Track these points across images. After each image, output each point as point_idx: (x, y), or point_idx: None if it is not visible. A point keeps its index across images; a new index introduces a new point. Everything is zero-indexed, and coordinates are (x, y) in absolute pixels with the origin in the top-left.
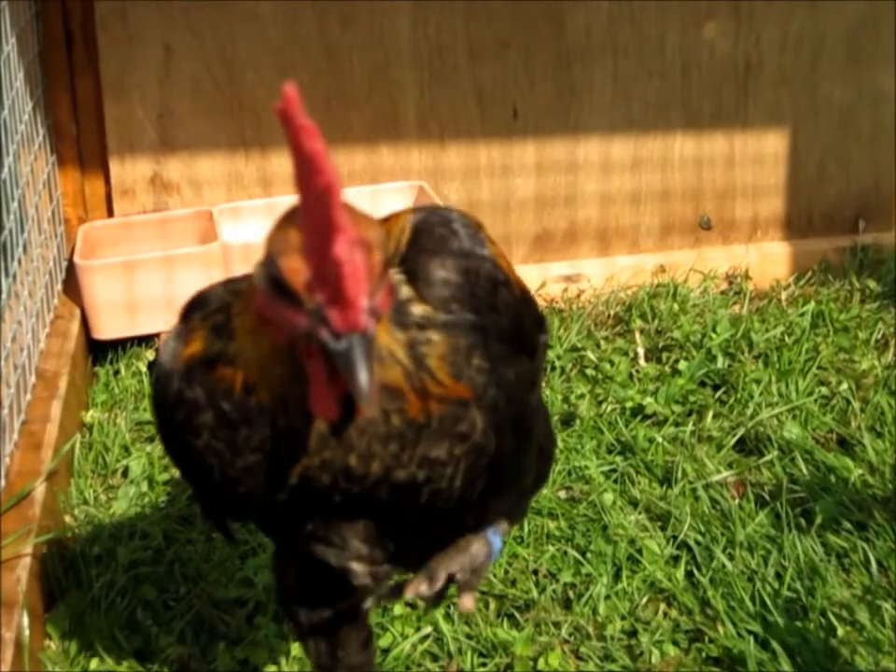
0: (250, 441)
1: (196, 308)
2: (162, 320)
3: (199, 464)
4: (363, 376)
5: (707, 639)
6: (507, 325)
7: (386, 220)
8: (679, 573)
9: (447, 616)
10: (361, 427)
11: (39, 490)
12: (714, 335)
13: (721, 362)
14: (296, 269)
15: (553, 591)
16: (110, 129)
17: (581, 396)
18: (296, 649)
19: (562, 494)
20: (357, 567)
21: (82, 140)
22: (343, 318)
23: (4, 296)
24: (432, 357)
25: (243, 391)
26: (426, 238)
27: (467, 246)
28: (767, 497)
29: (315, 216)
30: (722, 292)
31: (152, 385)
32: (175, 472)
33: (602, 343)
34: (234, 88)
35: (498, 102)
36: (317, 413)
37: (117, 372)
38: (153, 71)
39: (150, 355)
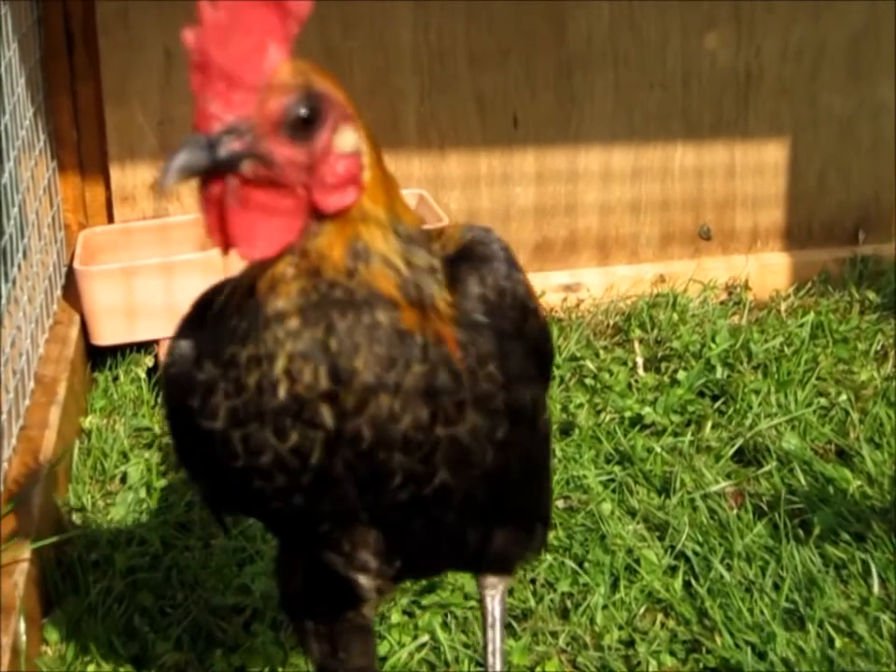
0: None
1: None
2: (162, 327)
3: (216, 451)
4: (171, 166)
5: (704, 650)
6: (530, 349)
7: (439, 231)
8: (677, 583)
9: (444, 625)
10: (356, 329)
11: (37, 495)
12: (713, 345)
13: (720, 372)
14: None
15: (551, 600)
16: (111, 135)
17: (580, 405)
18: (293, 656)
19: (560, 503)
20: (363, 580)
21: (83, 146)
22: (197, 114)
23: (3, 301)
24: (438, 296)
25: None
26: (470, 253)
27: (504, 270)
28: (765, 508)
29: None
30: (722, 302)
31: (163, 374)
32: (173, 478)
33: (601, 352)
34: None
35: (499, 110)
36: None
37: (116, 378)
38: (154, 77)
39: (149, 361)
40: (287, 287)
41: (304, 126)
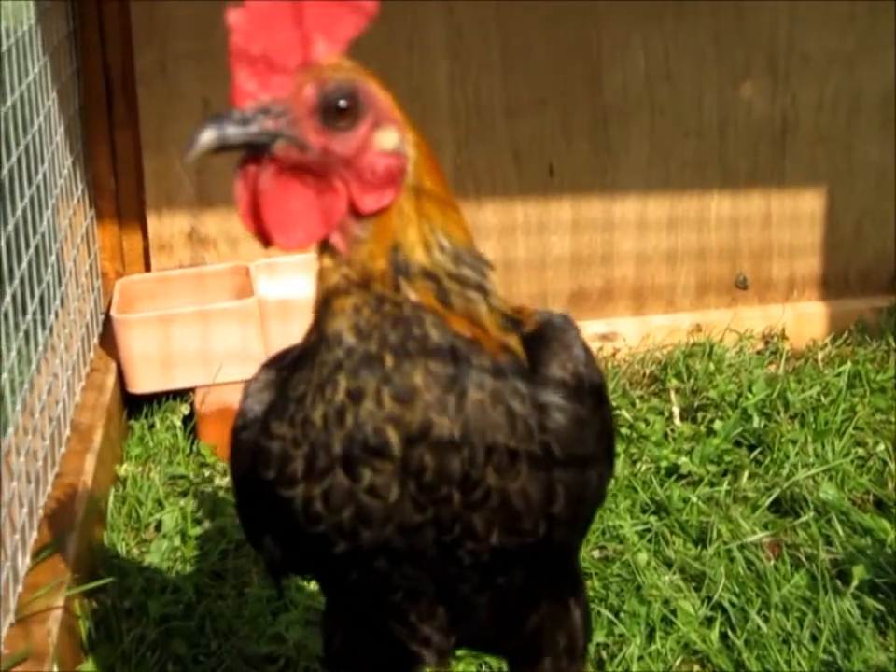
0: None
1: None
2: (198, 374)
3: (295, 518)
4: (201, 134)
5: None
6: (600, 433)
7: (517, 308)
8: (714, 635)
9: None
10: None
11: (72, 542)
12: (750, 395)
13: (756, 422)
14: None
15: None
16: (149, 183)
17: (616, 455)
18: None
19: (595, 553)
20: (427, 654)
21: (121, 194)
22: (232, 92)
23: (41, 348)
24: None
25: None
26: (549, 337)
27: (583, 357)
28: (803, 559)
29: None
30: (759, 352)
31: (233, 437)
32: (208, 526)
33: (637, 401)
34: None
35: (535, 159)
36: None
37: (151, 426)
38: (192, 125)
39: (185, 409)
40: (341, 302)
41: (343, 117)
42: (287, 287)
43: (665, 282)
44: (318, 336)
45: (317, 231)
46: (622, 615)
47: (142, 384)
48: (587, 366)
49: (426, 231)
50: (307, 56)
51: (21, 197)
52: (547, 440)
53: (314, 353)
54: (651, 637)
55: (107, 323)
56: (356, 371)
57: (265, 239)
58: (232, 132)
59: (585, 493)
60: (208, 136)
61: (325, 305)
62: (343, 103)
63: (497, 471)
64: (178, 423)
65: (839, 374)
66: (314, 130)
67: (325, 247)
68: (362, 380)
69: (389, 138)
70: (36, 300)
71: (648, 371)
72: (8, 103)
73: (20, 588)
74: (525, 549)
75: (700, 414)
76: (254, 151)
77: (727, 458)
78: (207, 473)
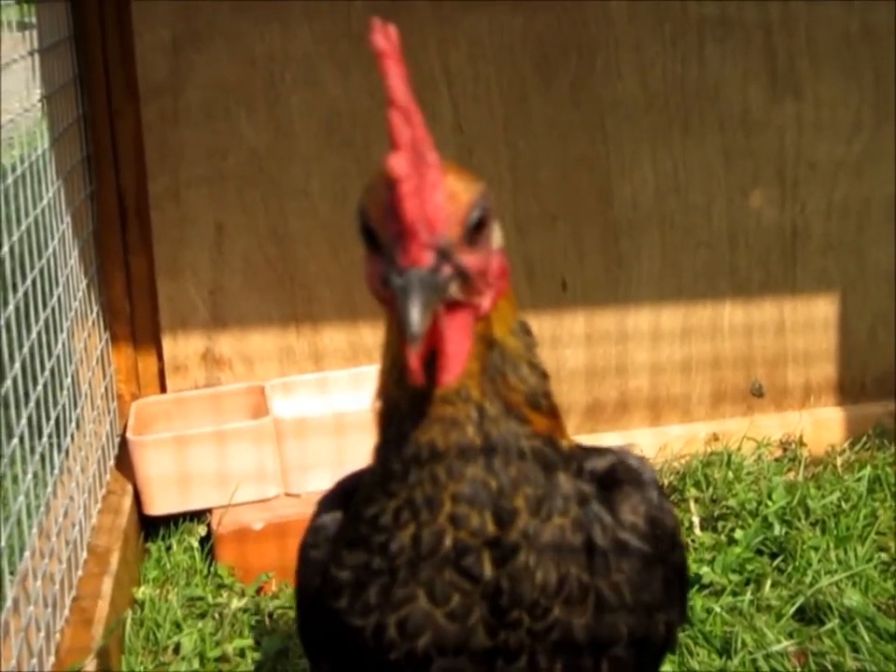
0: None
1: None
2: (215, 495)
3: (364, 645)
4: (415, 313)
5: None
6: (671, 579)
7: (586, 448)
8: None
9: None
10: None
11: (90, 667)
12: (770, 502)
13: (777, 530)
14: (375, 202)
15: None
16: (163, 306)
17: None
18: None
19: None
20: None
21: (136, 317)
22: (405, 251)
23: (56, 471)
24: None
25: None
26: (623, 478)
27: (657, 499)
28: (830, 667)
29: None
30: (777, 459)
31: (302, 554)
32: (227, 648)
33: None
34: (286, 263)
35: (547, 274)
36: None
37: (169, 548)
38: (206, 249)
39: (202, 530)
40: (439, 411)
41: (479, 231)
42: (303, 406)
43: (681, 392)
44: (412, 447)
45: (467, 353)
46: None
47: (158, 506)
48: (660, 509)
49: (508, 317)
50: (440, 177)
51: (37, 320)
52: (618, 580)
53: (397, 470)
54: None
55: (123, 445)
56: (461, 494)
57: (435, 382)
58: (432, 296)
59: (651, 638)
60: (419, 315)
61: (418, 413)
62: (478, 217)
63: (566, 602)
64: (195, 544)
65: (859, 479)
66: (466, 253)
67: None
68: (467, 503)
69: (497, 232)
70: (52, 422)
71: (666, 482)
72: (23, 226)
73: None
74: None
75: (720, 524)
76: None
77: (749, 567)
78: (225, 595)
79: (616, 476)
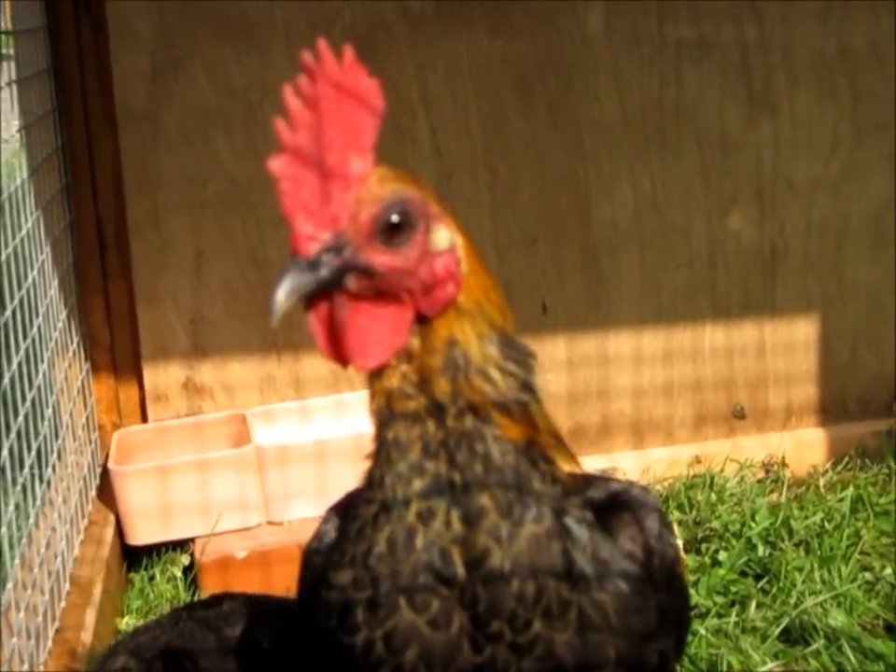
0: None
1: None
2: (197, 524)
3: (345, 658)
4: (278, 293)
5: None
6: (665, 610)
7: (588, 476)
8: None
9: None
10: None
11: None
12: (753, 524)
13: (761, 551)
14: None
15: None
16: (143, 335)
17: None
18: None
19: None
20: None
21: (116, 346)
22: (292, 241)
23: (38, 502)
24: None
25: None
26: (623, 505)
27: (657, 529)
28: None
29: None
30: (759, 480)
31: (304, 558)
32: None
33: None
34: (266, 291)
35: (527, 297)
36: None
37: (152, 578)
38: (186, 277)
39: (185, 559)
40: (402, 405)
41: (398, 232)
42: (285, 434)
43: (663, 414)
44: (379, 445)
45: (392, 345)
46: None
47: (141, 536)
48: (659, 540)
49: (478, 320)
50: (348, 178)
51: (17, 350)
52: (601, 599)
53: (375, 475)
54: None
55: (105, 475)
56: (427, 491)
57: (345, 364)
58: (306, 281)
59: (643, 667)
60: (284, 294)
61: (387, 410)
62: (395, 218)
63: (545, 616)
64: (179, 574)
65: (842, 499)
66: (376, 252)
67: None
68: (434, 501)
69: (442, 236)
70: (34, 453)
71: None
72: (2, 257)
73: None
74: None
75: (704, 546)
76: (326, 289)
77: (734, 589)
78: None
79: (617, 504)
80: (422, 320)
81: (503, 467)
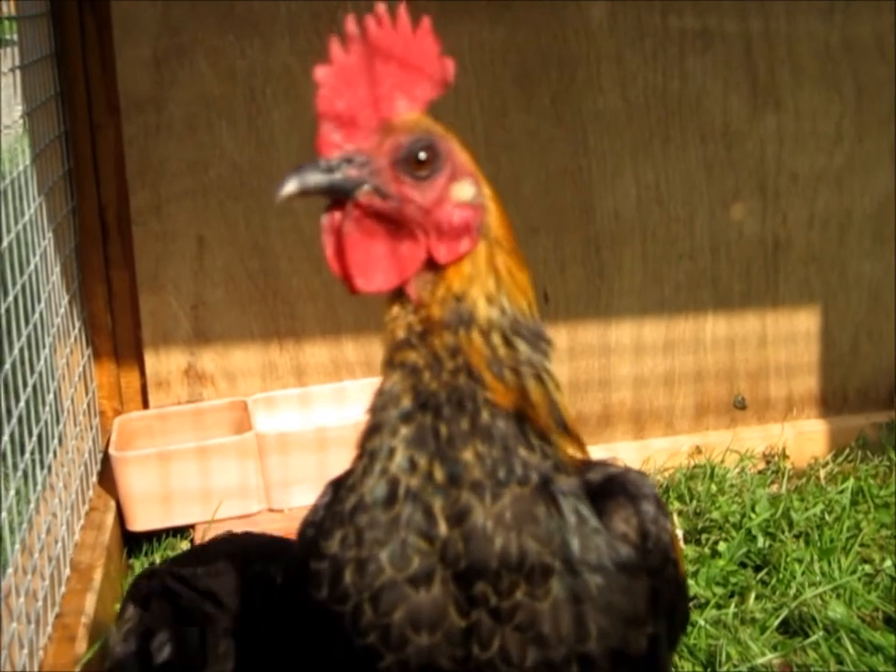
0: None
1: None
2: (197, 511)
3: (347, 633)
4: (291, 179)
5: None
6: (662, 593)
7: (586, 462)
8: None
9: None
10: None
11: None
12: (753, 515)
13: (761, 542)
14: None
15: None
16: (145, 321)
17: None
18: None
19: None
20: None
21: (117, 333)
22: (317, 143)
23: (39, 488)
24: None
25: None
26: (618, 489)
27: (653, 513)
28: None
29: None
30: (760, 471)
31: (300, 530)
32: None
33: None
34: (268, 278)
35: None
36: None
37: (152, 564)
38: (187, 263)
39: (185, 545)
40: (402, 356)
41: (422, 167)
42: (285, 421)
43: (664, 405)
44: (376, 394)
45: (396, 277)
46: None
47: (141, 521)
48: (654, 523)
49: (491, 286)
50: (389, 112)
51: (19, 336)
52: (585, 574)
53: (368, 424)
54: None
55: (106, 461)
56: (412, 439)
57: (348, 282)
58: (317, 178)
59: (629, 652)
60: (293, 182)
61: (388, 363)
62: (422, 154)
63: (528, 580)
64: None
65: (842, 491)
66: (395, 179)
67: (395, 297)
68: (417, 451)
69: (466, 190)
70: (35, 439)
71: None
72: (4, 243)
73: None
74: None
75: (704, 536)
76: (338, 198)
77: (733, 580)
78: None
79: (612, 487)
80: (435, 270)
81: (490, 427)
